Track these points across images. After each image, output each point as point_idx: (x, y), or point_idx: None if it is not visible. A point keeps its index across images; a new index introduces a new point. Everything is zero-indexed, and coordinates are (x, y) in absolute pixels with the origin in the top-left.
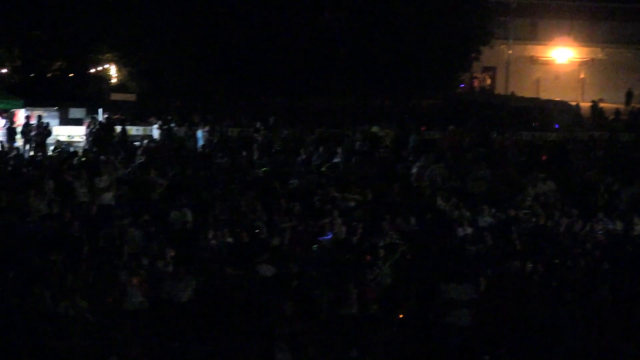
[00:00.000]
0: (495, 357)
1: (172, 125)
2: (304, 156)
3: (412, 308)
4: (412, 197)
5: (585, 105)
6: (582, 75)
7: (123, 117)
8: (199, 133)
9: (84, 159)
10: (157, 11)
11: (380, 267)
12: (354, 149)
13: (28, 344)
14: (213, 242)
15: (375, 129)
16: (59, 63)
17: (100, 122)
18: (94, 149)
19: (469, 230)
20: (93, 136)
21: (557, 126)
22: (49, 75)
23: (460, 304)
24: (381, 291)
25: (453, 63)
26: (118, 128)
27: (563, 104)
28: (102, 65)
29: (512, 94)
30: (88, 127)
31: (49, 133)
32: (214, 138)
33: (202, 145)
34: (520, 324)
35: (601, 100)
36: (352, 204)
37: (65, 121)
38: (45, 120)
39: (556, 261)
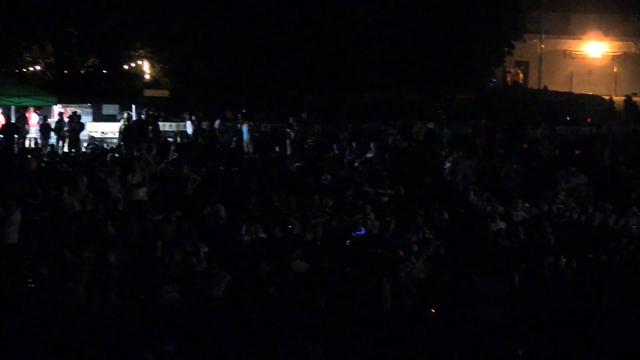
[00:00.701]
0: (528, 353)
1: (209, 122)
2: (336, 151)
3: (445, 303)
4: (445, 192)
5: (619, 99)
6: (615, 69)
7: (156, 113)
8: (244, 128)
9: (117, 155)
10: (189, 7)
11: (414, 262)
12: (387, 144)
13: (62, 340)
14: (246, 237)
15: (430, 125)
16: (92, 60)
17: (129, 118)
18: (123, 145)
19: (502, 224)
20: (124, 132)
21: (589, 120)
22: (83, 71)
23: (494, 299)
24: (414, 286)
25: (485, 58)
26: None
27: (596, 98)
28: (135, 62)
29: (545, 88)
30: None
31: (82, 127)
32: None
33: (247, 139)
34: (554, 319)
35: (634, 94)
36: (385, 199)
37: (98, 117)
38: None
39: (590, 256)
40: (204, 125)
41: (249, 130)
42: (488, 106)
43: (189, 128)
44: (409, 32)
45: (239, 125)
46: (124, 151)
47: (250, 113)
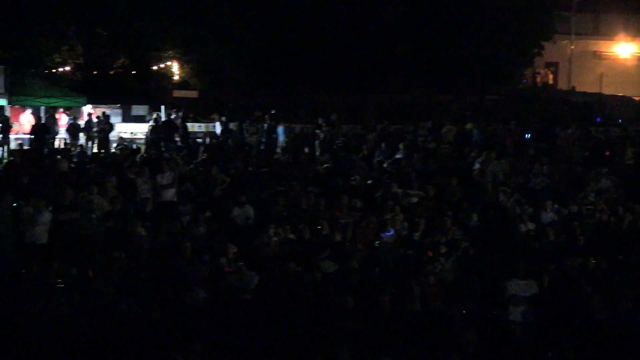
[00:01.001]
0: (558, 355)
1: (238, 122)
2: (365, 152)
3: (474, 305)
4: (474, 193)
5: None
6: None
7: (185, 114)
8: (280, 129)
9: (145, 155)
10: (218, 8)
11: (443, 264)
12: (416, 145)
13: (91, 340)
14: (275, 238)
15: (469, 125)
16: (121, 60)
17: (157, 119)
18: (151, 146)
19: (531, 226)
20: (152, 133)
21: (620, 121)
22: (112, 72)
23: (523, 301)
24: (443, 288)
25: (515, 59)
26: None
27: (626, 99)
28: (165, 63)
29: (573, 88)
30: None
31: (111, 127)
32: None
33: (282, 141)
34: (583, 321)
35: None
36: (414, 200)
37: (127, 118)
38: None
39: (619, 257)
40: (232, 125)
41: (285, 132)
42: (518, 107)
43: (218, 129)
44: (438, 33)
45: (264, 126)
46: (153, 152)
47: (279, 114)
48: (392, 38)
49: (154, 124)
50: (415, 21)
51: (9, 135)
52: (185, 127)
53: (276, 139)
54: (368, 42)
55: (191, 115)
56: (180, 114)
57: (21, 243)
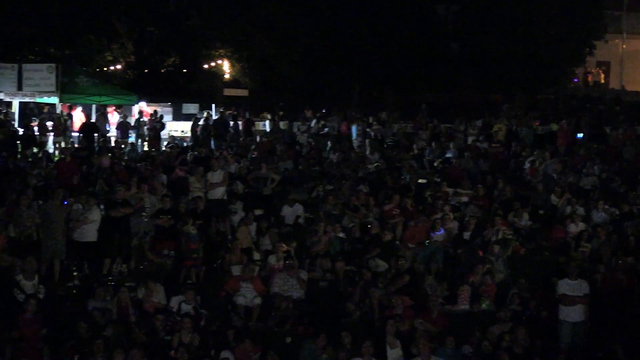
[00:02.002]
0: (608, 355)
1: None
2: (416, 151)
3: (525, 304)
4: (525, 193)
5: None
6: None
7: (236, 112)
8: (353, 128)
9: (196, 153)
10: (270, 6)
11: (493, 263)
12: (467, 144)
13: (142, 337)
14: (324, 237)
15: (553, 126)
16: (172, 59)
17: (207, 117)
18: (201, 144)
19: (583, 226)
20: (202, 131)
21: None
22: (163, 71)
23: (574, 300)
24: (494, 287)
25: (567, 58)
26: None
27: None
28: (215, 61)
29: (622, 88)
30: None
31: (163, 126)
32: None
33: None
34: (634, 321)
35: None
36: (465, 199)
37: (178, 117)
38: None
39: None
40: (283, 125)
41: (358, 131)
42: (569, 106)
43: (269, 127)
44: (490, 31)
45: (308, 124)
46: (204, 150)
47: (329, 113)
48: (444, 36)
49: (204, 122)
50: (468, 20)
51: (69, 133)
52: (237, 126)
53: (327, 137)
54: (420, 40)
55: (240, 114)
56: (229, 112)
57: (70, 241)
